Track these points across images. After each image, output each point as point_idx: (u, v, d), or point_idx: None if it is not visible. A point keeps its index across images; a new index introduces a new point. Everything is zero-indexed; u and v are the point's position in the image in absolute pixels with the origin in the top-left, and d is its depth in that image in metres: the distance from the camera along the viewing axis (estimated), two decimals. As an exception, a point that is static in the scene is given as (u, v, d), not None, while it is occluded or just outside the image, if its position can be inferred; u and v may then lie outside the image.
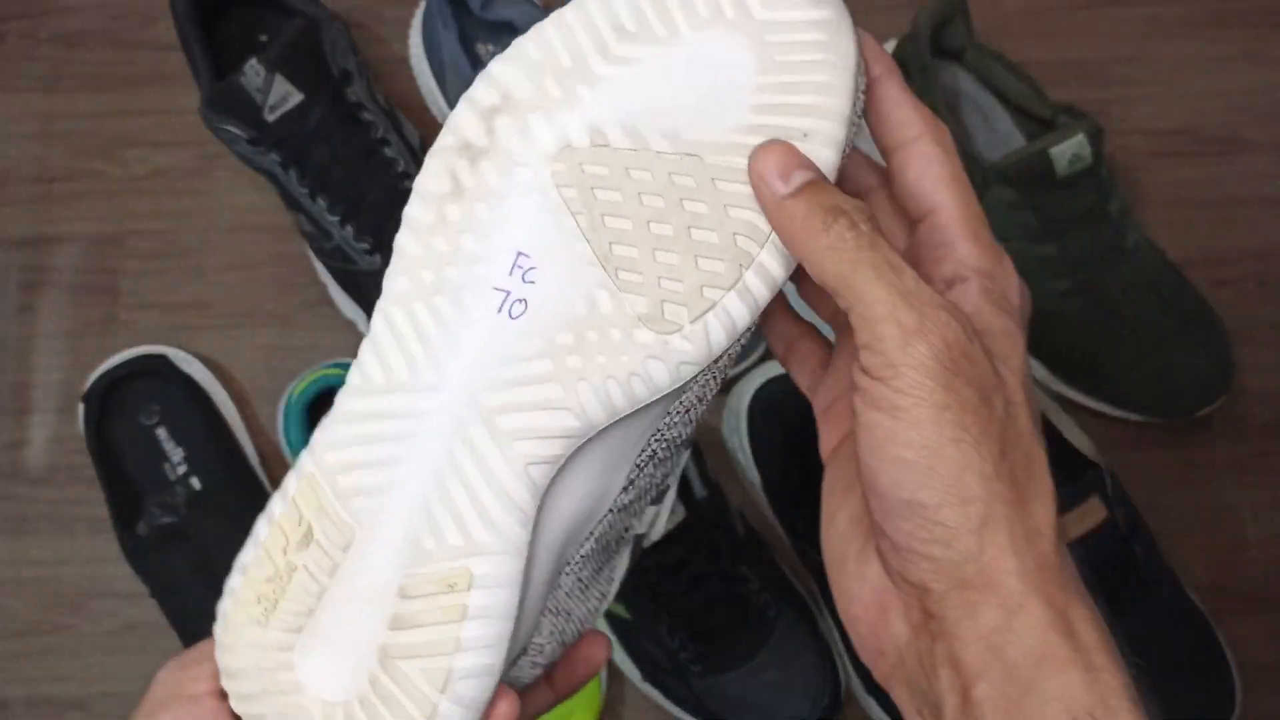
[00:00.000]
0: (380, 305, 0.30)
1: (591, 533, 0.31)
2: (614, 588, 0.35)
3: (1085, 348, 0.66)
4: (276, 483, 0.67)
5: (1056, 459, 0.66)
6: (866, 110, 0.30)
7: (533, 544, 0.29)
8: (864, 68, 0.30)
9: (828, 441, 0.33)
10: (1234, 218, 0.72)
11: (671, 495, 0.37)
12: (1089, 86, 0.74)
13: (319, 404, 0.67)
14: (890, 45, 0.70)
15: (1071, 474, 0.64)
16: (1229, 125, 0.74)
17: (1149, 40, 0.75)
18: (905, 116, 0.30)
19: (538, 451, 0.28)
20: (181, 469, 0.66)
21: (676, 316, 0.28)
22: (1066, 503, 0.61)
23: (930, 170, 0.30)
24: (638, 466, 0.31)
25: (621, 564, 0.35)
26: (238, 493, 0.65)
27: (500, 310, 0.29)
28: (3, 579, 0.68)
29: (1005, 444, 0.27)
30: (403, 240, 0.31)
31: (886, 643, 0.29)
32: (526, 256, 0.29)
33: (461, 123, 0.30)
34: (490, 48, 0.69)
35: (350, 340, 0.69)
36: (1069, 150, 0.60)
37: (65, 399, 0.70)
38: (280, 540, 0.30)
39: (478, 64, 0.67)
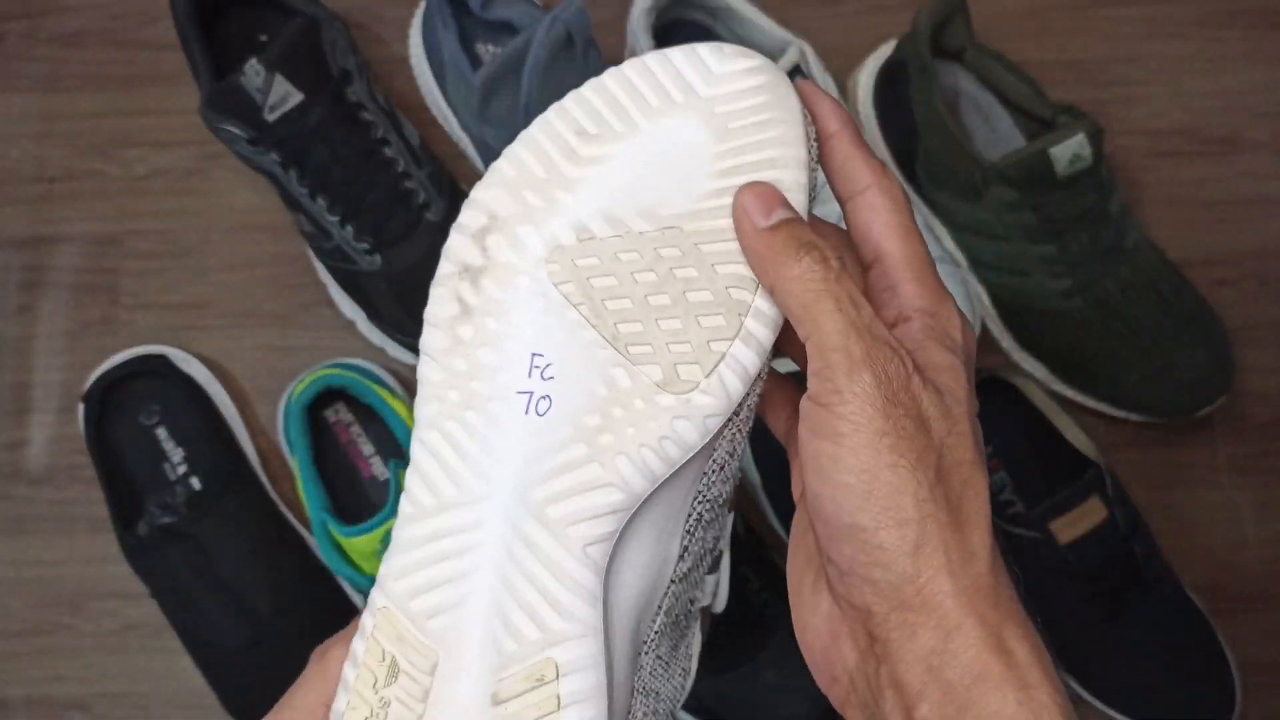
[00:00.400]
0: (416, 433, 0.32)
1: (660, 606, 0.33)
2: (694, 664, 0.36)
3: (1085, 347, 0.66)
4: (276, 482, 0.68)
5: (1057, 459, 0.67)
6: (822, 162, 0.32)
7: (607, 623, 0.31)
8: (814, 120, 0.32)
9: (796, 487, 0.35)
10: (1234, 217, 0.72)
11: (726, 562, 0.38)
12: (1089, 86, 0.74)
13: (319, 404, 0.67)
14: (890, 45, 0.70)
15: (1071, 473, 0.64)
16: (1229, 125, 0.74)
17: (1149, 40, 0.75)
18: (856, 169, 0.32)
19: (591, 532, 0.30)
20: (181, 469, 0.66)
21: (691, 375, 0.30)
22: (1066, 502, 0.61)
23: (878, 219, 0.32)
24: (688, 532, 0.33)
25: (695, 640, 0.36)
26: (237, 493, 0.65)
27: (528, 411, 0.31)
28: (3, 579, 0.68)
29: (942, 470, 0.29)
30: (424, 370, 0.32)
31: (839, 669, 0.31)
32: (541, 355, 0.31)
33: (456, 248, 0.32)
34: (490, 47, 0.69)
35: (350, 340, 0.69)
36: (1069, 150, 0.60)
37: (65, 399, 0.70)
38: (369, 678, 0.31)
39: (477, 63, 0.67)
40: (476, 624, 0.30)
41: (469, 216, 0.32)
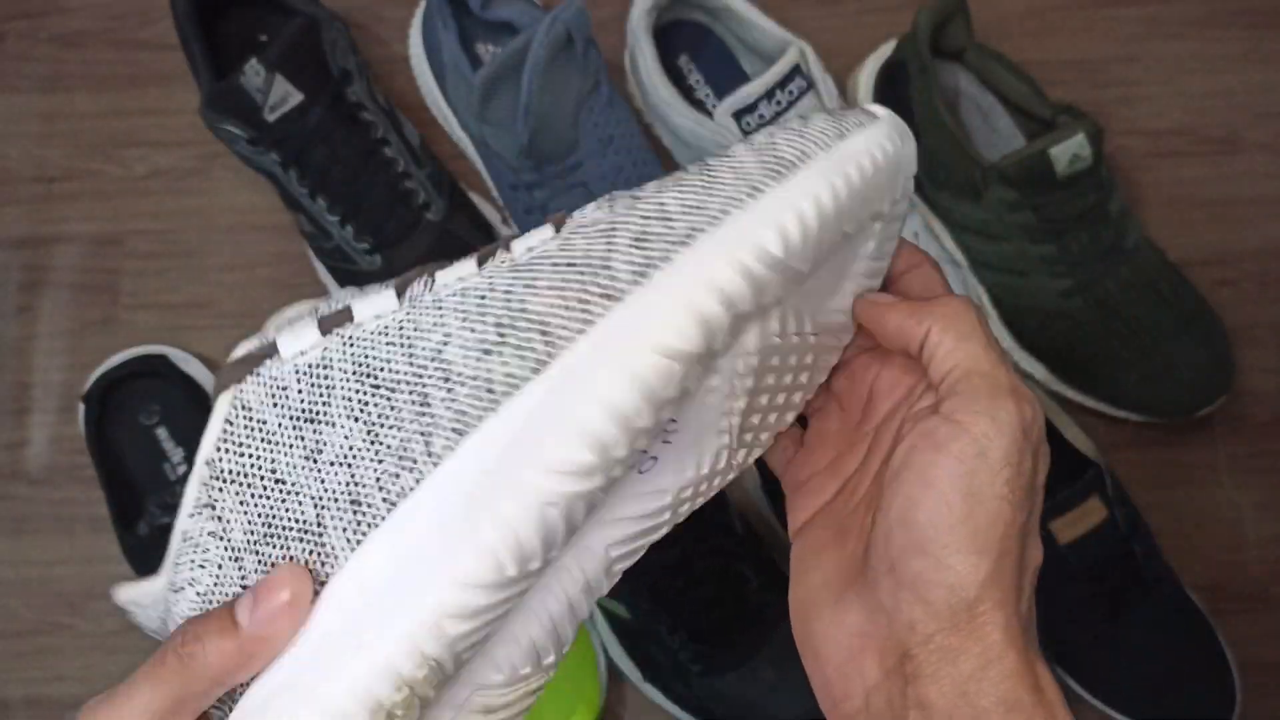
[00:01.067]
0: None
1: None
2: None
3: (1085, 347, 0.66)
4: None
5: (1057, 459, 0.67)
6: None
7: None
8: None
9: (798, 516, 0.36)
10: (1234, 217, 0.72)
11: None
12: (1089, 86, 0.74)
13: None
14: (890, 45, 0.70)
15: (1071, 473, 0.64)
16: (1229, 125, 0.74)
17: (1149, 40, 0.75)
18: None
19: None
20: (181, 469, 0.66)
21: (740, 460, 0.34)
22: (1066, 502, 0.61)
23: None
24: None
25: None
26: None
27: (633, 468, 0.31)
28: (3, 579, 0.68)
29: (1030, 514, 0.30)
30: None
31: (855, 685, 0.31)
32: (674, 421, 0.31)
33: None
34: (490, 47, 0.69)
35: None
36: (1069, 150, 0.60)
37: (65, 399, 0.70)
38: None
39: (477, 63, 0.67)
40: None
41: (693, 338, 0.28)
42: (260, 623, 0.28)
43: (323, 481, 0.28)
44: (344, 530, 0.28)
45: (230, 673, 0.28)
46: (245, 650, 0.28)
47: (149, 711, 0.28)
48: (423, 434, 0.27)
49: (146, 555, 0.63)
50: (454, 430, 0.27)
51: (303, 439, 0.29)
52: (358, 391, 0.28)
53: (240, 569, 0.29)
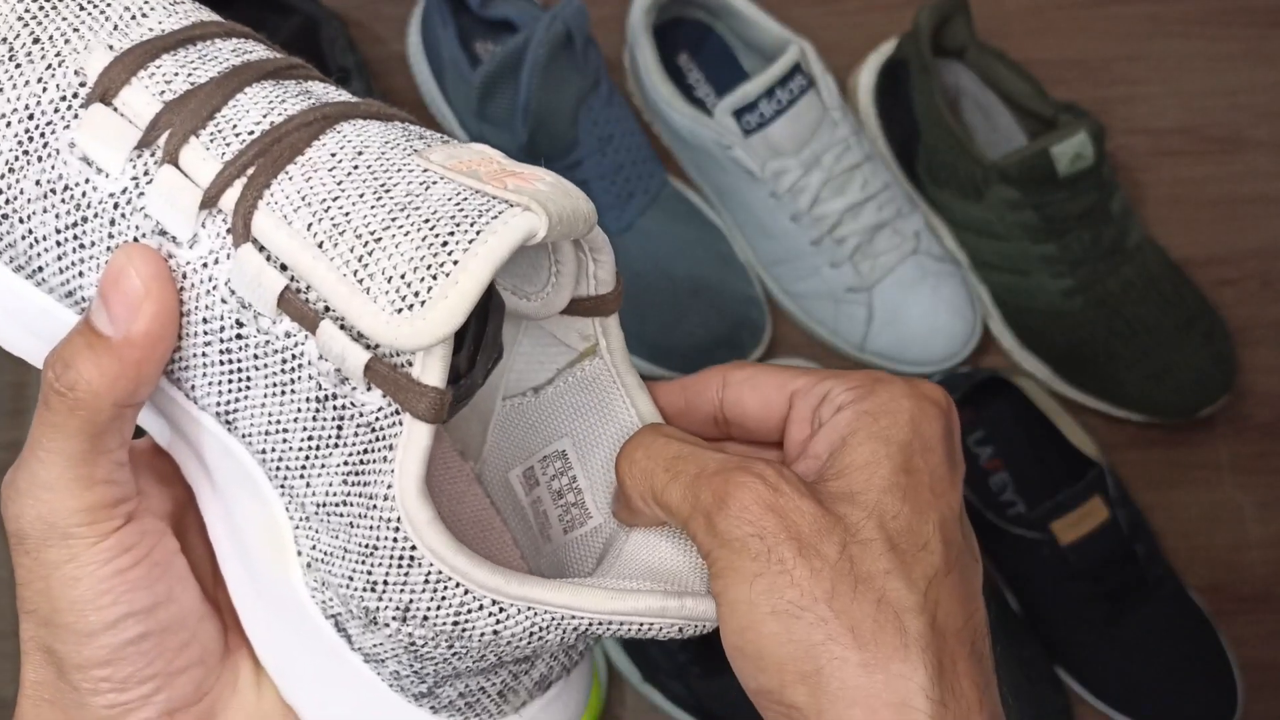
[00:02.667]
0: None
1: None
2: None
3: (1087, 347, 0.66)
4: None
5: (1058, 459, 0.67)
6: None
7: None
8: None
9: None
10: (1236, 217, 0.72)
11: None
12: (1091, 85, 0.74)
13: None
14: (891, 44, 0.70)
15: (1073, 474, 0.64)
16: (1231, 124, 0.74)
17: (1151, 39, 0.75)
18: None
19: None
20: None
21: None
22: (1068, 503, 0.61)
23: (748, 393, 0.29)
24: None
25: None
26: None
27: None
28: (2, 579, 0.68)
29: (837, 598, 0.24)
30: None
31: None
32: None
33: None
34: (489, 46, 0.69)
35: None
36: (1071, 149, 0.60)
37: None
38: None
39: (476, 62, 0.67)
40: None
41: None
42: (124, 322, 0.24)
43: None
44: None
45: (127, 389, 0.24)
46: (127, 359, 0.24)
47: (67, 460, 0.25)
48: None
49: None
50: None
51: None
52: None
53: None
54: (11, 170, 0.25)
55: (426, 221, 0.23)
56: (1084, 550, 0.61)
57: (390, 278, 0.22)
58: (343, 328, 0.23)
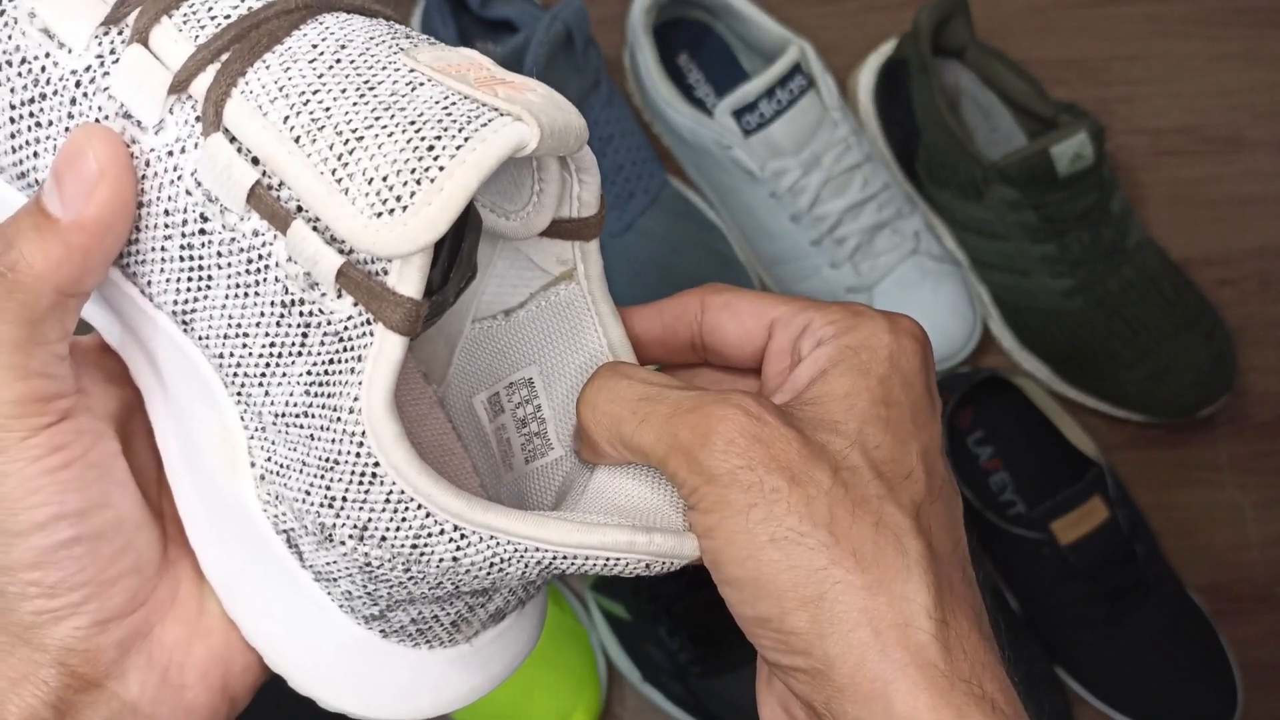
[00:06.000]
0: None
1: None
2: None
3: (1087, 347, 0.66)
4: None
5: (1058, 459, 0.67)
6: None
7: None
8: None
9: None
10: (1236, 217, 0.72)
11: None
12: (1090, 85, 0.74)
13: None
14: (891, 44, 0.70)
15: (1073, 474, 0.64)
16: (1231, 124, 0.74)
17: (1150, 39, 0.75)
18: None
19: None
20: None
21: None
22: (1068, 503, 0.61)
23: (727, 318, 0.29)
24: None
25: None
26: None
27: None
28: None
29: (837, 523, 0.23)
30: None
31: None
32: None
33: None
34: (490, 46, 0.69)
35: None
36: (1070, 149, 0.60)
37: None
38: None
39: (477, 62, 0.67)
40: None
41: None
42: (76, 205, 0.23)
43: None
44: None
45: (71, 276, 0.23)
46: (74, 244, 0.23)
47: (3, 346, 0.23)
48: None
49: None
50: None
51: None
52: None
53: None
54: None
55: (412, 124, 0.22)
56: (1084, 550, 0.61)
57: (371, 179, 0.21)
58: (316, 229, 0.22)
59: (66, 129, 0.24)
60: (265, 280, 0.23)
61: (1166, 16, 0.75)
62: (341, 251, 0.22)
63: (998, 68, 0.66)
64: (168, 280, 0.24)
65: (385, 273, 0.22)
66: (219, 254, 0.23)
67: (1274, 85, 0.74)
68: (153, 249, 0.24)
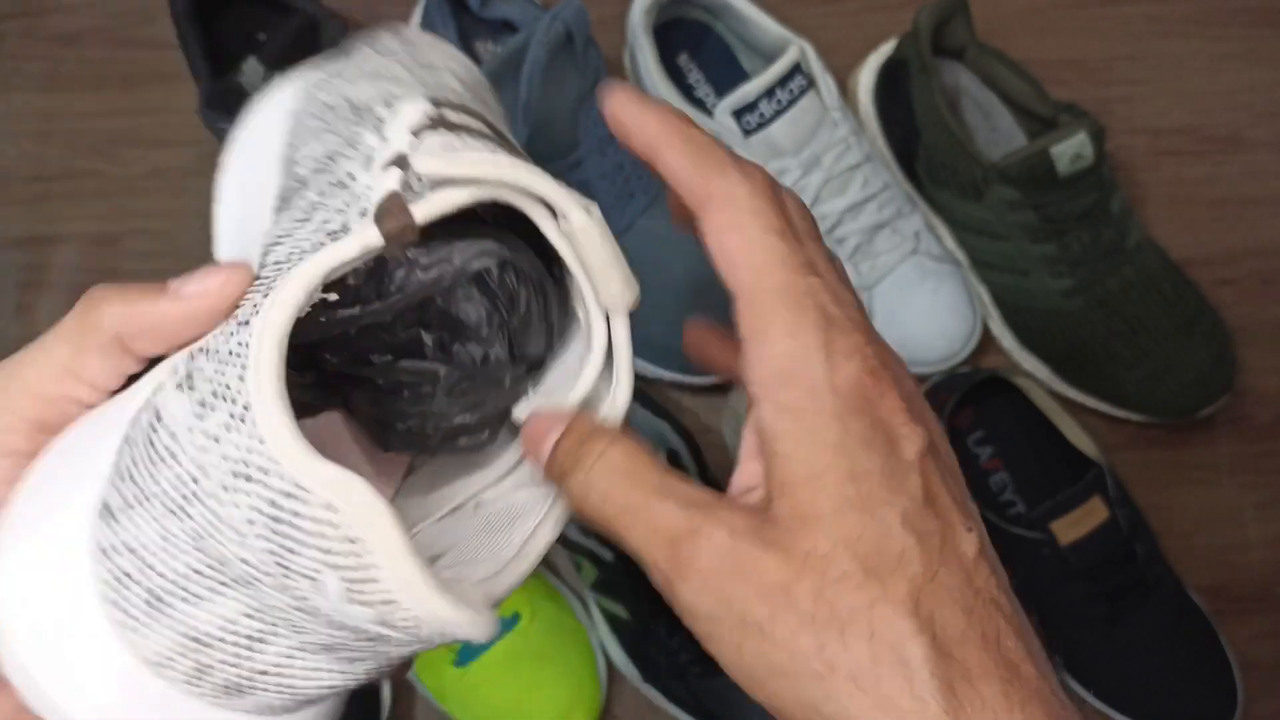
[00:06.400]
0: None
1: None
2: None
3: (1087, 347, 0.66)
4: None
5: (1058, 459, 0.66)
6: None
7: None
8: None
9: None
10: (1236, 217, 0.72)
11: None
12: (1090, 85, 0.74)
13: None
14: (891, 44, 0.70)
15: (1073, 474, 0.64)
16: (1231, 124, 0.74)
17: (1150, 39, 0.75)
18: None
19: None
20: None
21: None
22: (1068, 502, 0.61)
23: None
24: None
25: None
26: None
27: None
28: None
29: (826, 649, 0.23)
30: None
31: None
32: None
33: None
34: (489, 46, 0.69)
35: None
36: (1070, 149, 0.60)
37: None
38: None
39: (476, 62, 0.67)
40: None
41: None
42: (188, 290, 0.25)
43: None
44: None
45: (133, 326, 0.25)
46: (157, 306, 0.25)
47: (47, 363, 0.25)
48: None
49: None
50: None
51: None
52: None
53: None
54: None
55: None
56: (1084, 550, 0.61)
57: None
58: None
59: None
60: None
61: (1166, 16, 0.75)
62: None
63: (998, 68, 0.66)
64: None
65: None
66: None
67: (1274, 85, 0.74)
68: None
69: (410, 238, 0.24)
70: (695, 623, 0.24)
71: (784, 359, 0.24)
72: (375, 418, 0.30)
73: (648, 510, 0.25)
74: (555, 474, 0.26)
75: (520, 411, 0.30)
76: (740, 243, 0.25)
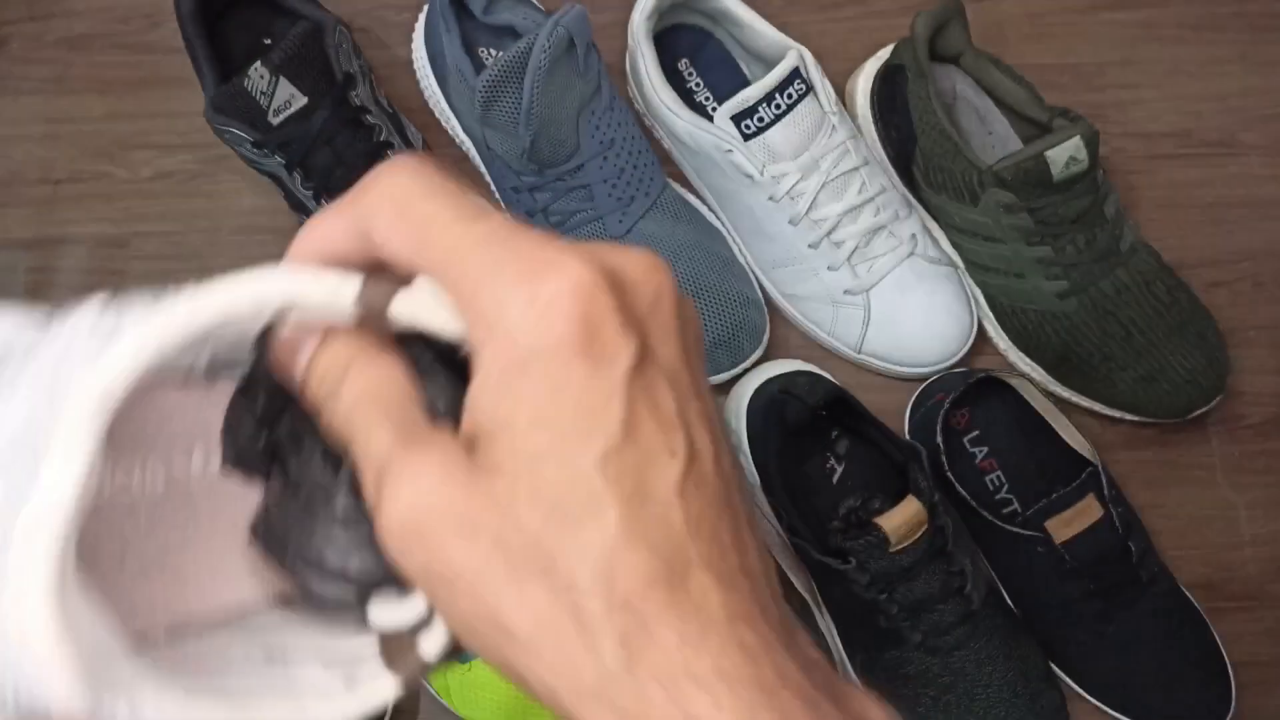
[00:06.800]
0: None
1: None
2: None
3: (1081, 349, 0.66)
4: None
5: (1053, 459, 0.67)
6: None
7: None
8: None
9: None
10: (1229, 220, 0.73)
11: None
12: (1085, 89, 0.74)
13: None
14: (887, 50, 0.70)
15: (1068, 474, 0.64)
16: (1224, 128, 0.74)
17: (1144, 44, 0.75)
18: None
19: None
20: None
21: None
22: (1063, 501, 0.62)
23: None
24: None
25: None
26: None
27: None
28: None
29: (504, 599, 0.22)
30: None
31: None
32: None
33: None
34: (492, 51, 0.70)
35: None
36: (1065, 153, 0.61)
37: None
38: None
39: (480, 67, 0.68)
40: None
41: None
42: None
43: None
44: None
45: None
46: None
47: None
48: None
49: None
50: None
51: None
52: None
53: None
54: None
55: None
56: (1078, 549, 0.62)
57: None
58: None
59: None
60: None
61: (1160, 22, 0.76)
62: None
63: (993, 73, 0.67)
64: None
65: None
66: None
67: (1267, 90, 0.75)
68: None
69: None
70: (391, 555, 0.23)
71: (486, 311, 0.22)
72: (266, 509, 0.27)
73: (368, 431, 0.23)
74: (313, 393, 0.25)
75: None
76: (418, 217, 0.23)
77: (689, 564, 0.22)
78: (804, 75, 0.64)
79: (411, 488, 0.22)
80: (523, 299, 0.22)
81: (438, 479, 0.22)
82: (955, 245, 0.69)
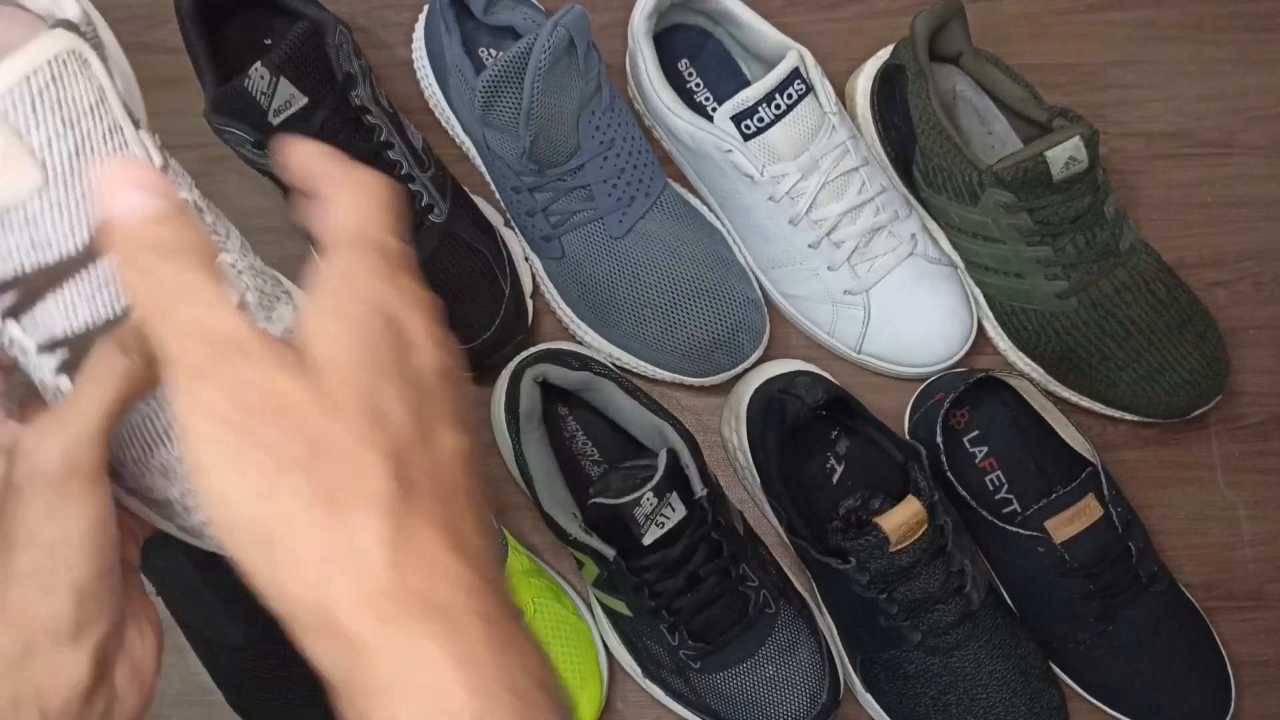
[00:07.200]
0: None
1: None
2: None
3: (1081, 348, 0.66)
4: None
5: (1053, 459, 0.67)
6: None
7: None
8: None
9: None
10: (1228, 219, 0.73)
11: None
12: (1085, 90, 0.74)
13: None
14: (887, 50, 0.70)
15: (1068, 473, 0.64)
16: (1224, 128, 0.74)
17: (1144, 44, 0.76)
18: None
19: None
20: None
21: None
22: (1063, 501, 0.62)
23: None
24: None
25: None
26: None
27: None
28: None
29: (314, 466, 0.26)
30: None
31: None
32: None
33: None
34: (492, 51, 0.70)
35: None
36: (1065, 153, 0.61)
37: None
38: None
39: (480, 67, 0.68)
40: None
41: None
42: None
43: None
44: None
45: None
46: None
47: None
48: None
49: (151, 557, 0.63)
50: None
51: None
52: None
53: None
54: None
55: None
56: (1078, 548, 0.62)
57: None
58: None
59: None
60: None
61: (1160, 22, 0.76)
62: None
63: (993, 73, 0.67)
64: None
65: None
66: None
67: (1266, 89, 0.75)
68: None
69: None
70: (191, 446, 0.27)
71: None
72: None
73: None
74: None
75: None
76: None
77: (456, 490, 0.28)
78: (804, 75, 0.64)
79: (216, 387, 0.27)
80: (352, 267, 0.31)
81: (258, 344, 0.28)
82: (955, 245, 0.69)
